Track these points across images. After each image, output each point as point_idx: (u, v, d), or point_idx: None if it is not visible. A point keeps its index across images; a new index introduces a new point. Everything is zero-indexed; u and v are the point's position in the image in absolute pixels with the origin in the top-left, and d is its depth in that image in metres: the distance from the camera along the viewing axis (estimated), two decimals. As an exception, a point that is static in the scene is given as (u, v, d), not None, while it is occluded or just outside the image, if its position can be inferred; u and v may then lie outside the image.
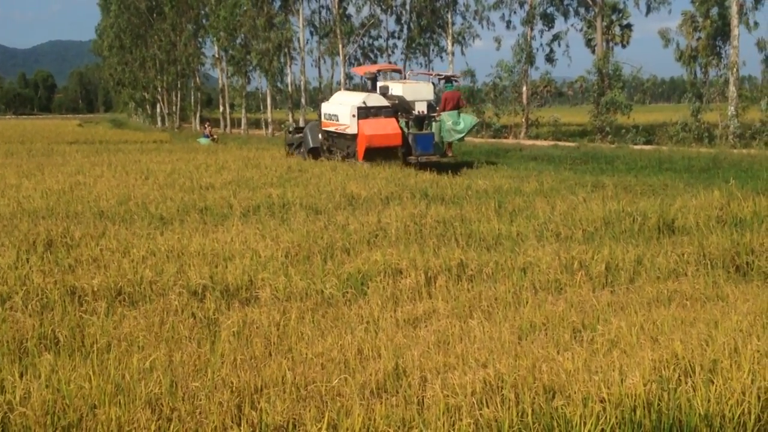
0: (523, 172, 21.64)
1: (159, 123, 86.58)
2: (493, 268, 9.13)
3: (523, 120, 44.40)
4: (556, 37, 45.34)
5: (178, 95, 78.62)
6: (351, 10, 52.14)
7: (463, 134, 26.27)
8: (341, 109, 25.02)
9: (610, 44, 42.87)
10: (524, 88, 44.46)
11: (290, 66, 53.11)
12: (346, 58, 50.64)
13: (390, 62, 53.49)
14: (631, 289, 8.41)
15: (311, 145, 26.90)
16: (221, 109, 65.54)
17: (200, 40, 69.17)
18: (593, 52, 42.26)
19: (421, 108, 25.18)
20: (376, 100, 24.72)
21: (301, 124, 31.00)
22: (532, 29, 44.21)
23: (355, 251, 10.23)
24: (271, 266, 9.18)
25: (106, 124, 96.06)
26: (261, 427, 4.93)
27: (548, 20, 45.14)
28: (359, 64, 53.13)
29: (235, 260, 9.45)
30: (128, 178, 19.33)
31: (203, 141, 42.83)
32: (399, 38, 54.96)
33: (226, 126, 63.14)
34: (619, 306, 7.61)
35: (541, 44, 46.33)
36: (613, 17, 42.97)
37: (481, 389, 5.30)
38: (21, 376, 5.75)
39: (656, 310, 7.40)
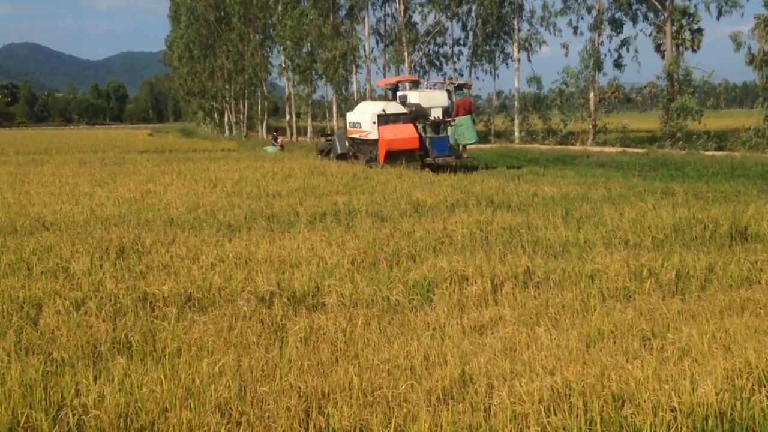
0: (591, 179, 21.40)
1: (227, 132, 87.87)
2: (561, 276, 9.05)
3: (591, 126, 43.87)
4: (624, 43, 44.67)
5: (245, 104, 79.70)
6: (416, 17, 52.31)
7: (474, 140, 28.53)
8: (363, 117, 27.68)
9: (680, 49, 42.11)
10: (591, 94, 43.94)
11: (355, 74, 53.49)
12: (412, 65, 50.72)
13: (455, 69, 53.77)
14: (702, 297, 8.25)
15: (339, 151, 29.57)
16: (287, 117, 66.24)
17: (267, 49, 70.05)
18: (663, 57, 41.56)
19: (436, 114, 27.62)
20: (394, 107, 27.26)
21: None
22: (599, 35, 43.67)
23: (420, 258, 10.24)
24: (337, 273, 9.24)
25: (176, 133, 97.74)
26: (328, 432, 4.97)
27: (616, 25, 44.52)
28: (425, 72, 53.52)
29: (301, 267, 9.53)
30: (197, 187, 19.65)
31: (270, 149, 43.34)
32: (464, 45, 54.87)
33: (292, 134, 63.75)
34: (690, 314, 7.48)
35: (609, 50, 45.77)
36: (683, 21, 42.19)
37: (549, 397, 5.26)
38: (95, 379, 5.90)
39: (729, 318, 7.25)
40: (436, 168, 25.92)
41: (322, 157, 31.26)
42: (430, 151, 27.14)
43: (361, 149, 28.19)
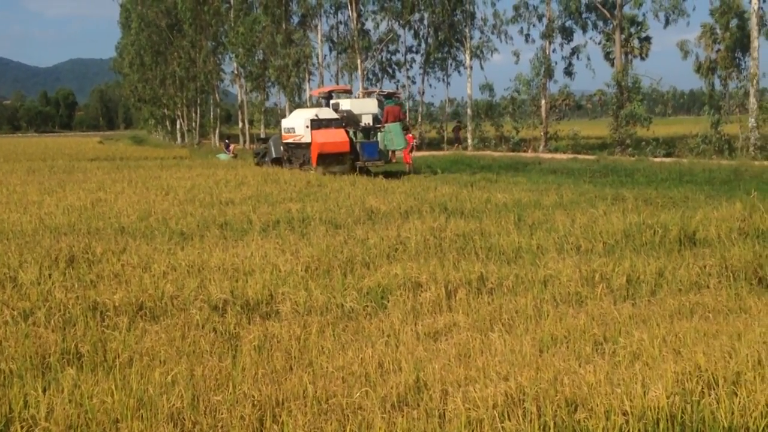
0: (543, 186, 21.60)
1: (179, 139, 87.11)
2: (514, 281, 9.12)
3: (542, 133, 44.30)
4: (575, 51, 45.22)
5: (198, 112, 79.03)
6: (369, 25, 52.43)
7: (403, 146, 30.34)
8: (297, 122, 29.58)
9: (629, 57, 42.74)
10: (543, 102, 44.37)
11: (308, 81, 53.34)
12: (365, 72, 50.79)
13: (408, 77, 54.30)
14: (652, 301, 8.37)
15: (274, 156, 31.64)
16: (240, 125, 65.81)
17: (219, 56, 69.55)
18: (612, 65, 42.13)
19: (367, 120, 29.77)
20: (327, 113, 29.16)
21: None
22: (550, 43, 44.13)
23: (374, 265, 10.24)
24: (291, 280, 9.20)
25: (127, 140, 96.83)
26: (282, 441, 4.94)
27: (567, 34, 45.03)
28: (377, 79, 53.91)
29: (255, 275, 9.48)
30: (149, 194, 19.45)
31: (223, 157, 43.10)
32: (417, 53, 55.20)
33: (245, 142, 63.38)
34: (641, 318, 7.57)
35: (562, 57, 46.29)
36: (632, 30, 42.83)
37: (503, 402, 5.28)
38: (44, 390, 5.79)
39: (678, 322, 7.36)
40: (390, 175, 27.00)
41: (257, 161, 33.67)
42: (360, 154, 28.80)
43: (295, 153, 30.09)
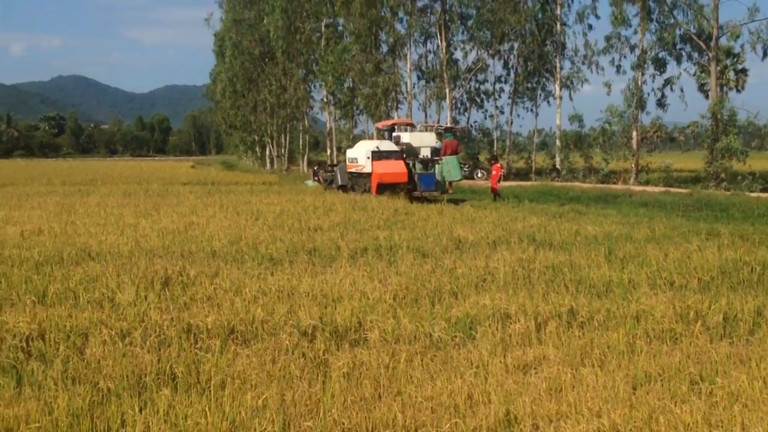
0: (633, 219, 21.21)
1: (268, 165, 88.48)
2: (605, 316, 8.96)
3: (633, 165, 43.52)
4: (668, 82, 44.41)
5: (287, 138, 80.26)
6: (458, 54, 52.58)
7: (459, 178, 32.44)
8: (360, 153, 31.70)
9: (725, 89, 41.76)
10: (634, 133, 43.64)
11: (397, 109, 53.66)
12: (453, 102, 50.88)
13: (496, 107, 54.34)
14: (751, 341, 8.11)
15: (340, 183, 33.43)
16: (329, 151, 66.52)
17: (309, 84, 70.53)
18: (706, 96, 41.27)
19: (425, 152, 31.56)
20: (387, 145, 31.38)
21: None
22: (642, 74, 43.48)
23: (462, 295, 10.20)
24: (379, 308, 9.24)
25: (218, 165, 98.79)
26: (373, 469, 4.94)
27: (660, 65, 44.28)
28: (465, 109, 54.17)
29: (343, 301, 9.55)
30: (239, 219, 19.79)
31: (310, 183, 43.63)
32: (506, 82, 55.06)
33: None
34: (739, 358, 7.35)
35: (653, 89, 45.50)
36: (728, 62, 41.87)
37: (596, 439, 5.19)
38: (141, 410, 5.93)
39: (779, 363, 7.11)
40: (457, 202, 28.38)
41: (326, 186, 35.56)
42: (418, 185, 30.62)
43: (357, 182, 31.87)
